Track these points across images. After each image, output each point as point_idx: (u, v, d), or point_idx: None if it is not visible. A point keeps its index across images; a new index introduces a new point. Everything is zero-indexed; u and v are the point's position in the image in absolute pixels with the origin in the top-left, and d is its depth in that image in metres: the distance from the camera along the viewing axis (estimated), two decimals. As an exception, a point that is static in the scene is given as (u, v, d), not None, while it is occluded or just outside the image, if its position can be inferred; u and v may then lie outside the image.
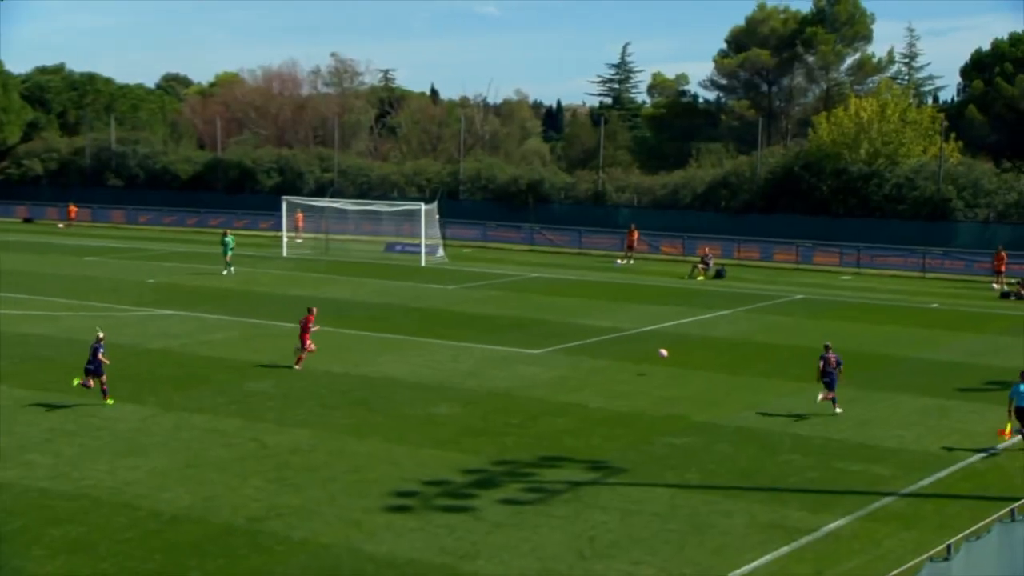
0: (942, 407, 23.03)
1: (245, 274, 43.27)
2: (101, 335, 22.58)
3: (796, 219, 55.03)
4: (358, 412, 21.58)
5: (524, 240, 58.69)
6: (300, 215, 57.48)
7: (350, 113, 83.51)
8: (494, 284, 42.03)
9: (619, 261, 51.96)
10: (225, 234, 44.33)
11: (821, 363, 21.82)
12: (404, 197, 62.93)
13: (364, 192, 66.40)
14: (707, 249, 48.48)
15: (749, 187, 57.39)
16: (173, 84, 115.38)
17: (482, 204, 63.72)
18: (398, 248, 53.52)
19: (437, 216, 51.63)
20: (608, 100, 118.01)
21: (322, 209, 55.47)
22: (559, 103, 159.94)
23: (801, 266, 50.88)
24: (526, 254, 55.69)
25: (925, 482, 17.66)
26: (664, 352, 27.04)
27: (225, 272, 42.71)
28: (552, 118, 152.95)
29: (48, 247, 51.89)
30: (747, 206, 57.17)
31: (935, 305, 38.97)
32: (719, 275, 46.47)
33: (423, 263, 48.53)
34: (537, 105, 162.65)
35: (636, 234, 52.88)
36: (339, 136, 74.50)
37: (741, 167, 58.84)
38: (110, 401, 22.27)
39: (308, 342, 25.39)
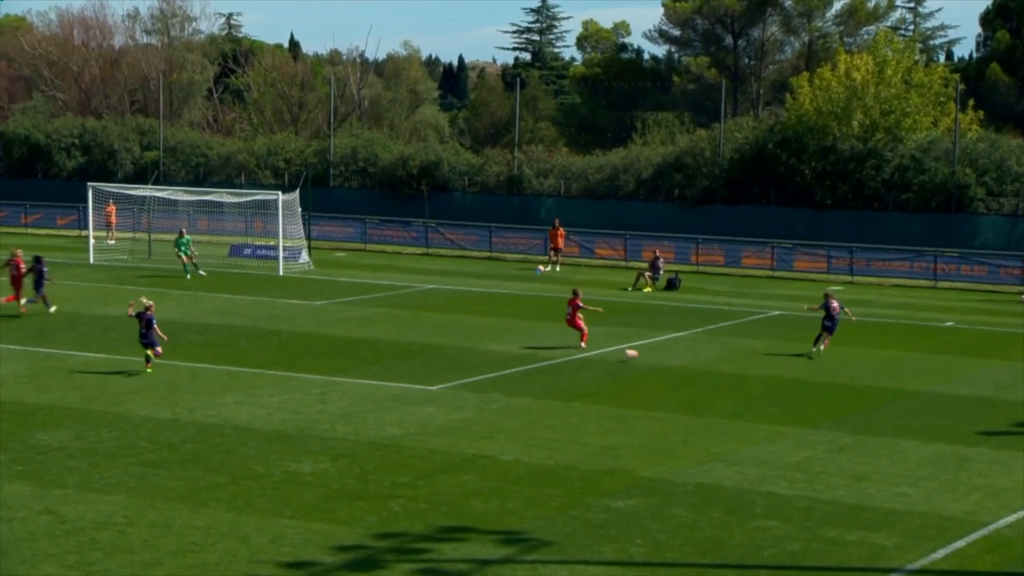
0: (960, 456, 23.36)
1: None
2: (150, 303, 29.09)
3: (771, 212, 56.24)
4: (191, 471, 21.57)
5: (416, 241, 59.41)
6: (112, 208, 57.33)
7: (181, 72, 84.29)
8: (376, 299, 42.24)
9: (541, 268, 52.59)
10: (181, 233, 47.59)
11: (823, 310, 22.74)
12: (255, 184, 64.07)
13: (201, 177, 67.76)
14: (656, 252, 48.82)
15: (710, 171, 58.44)
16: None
17: (360, 193, 64.52)
18: (247, 251, 53.67)
19: (299, 209, 51.83)
20: (526, 56, 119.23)
21: (143, 200, 55.27)
22: (461, 60, 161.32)
23: (778, 273, 51.86)
24: (419, 259, 56.02)
25: (938, 555, 17.86)
26: (632, 353, 28.64)
27: (188, 276, 46.24)
28: (452, 79, 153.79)
29: None
30: (707, 195, 58.22)
31: (950, 323, 39.54)
32: (671, 285, 47.17)
33: (281, 271, 48.69)
34: (432, 63, 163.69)
35: (562, 232, 53.45)
36: (165, 102, 75.38)
37: (699, 144, 59.73)
38: (149, 370, 29.12)
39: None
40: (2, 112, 75.95)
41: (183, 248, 47.12)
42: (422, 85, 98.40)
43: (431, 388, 28.41)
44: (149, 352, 29.79)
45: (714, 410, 26.84)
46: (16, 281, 37.98)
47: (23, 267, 38.13)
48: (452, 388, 28.49)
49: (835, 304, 31.72)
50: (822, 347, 32.14)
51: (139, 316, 29.70)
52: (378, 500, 19.98)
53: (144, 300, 30.45)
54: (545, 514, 19.44)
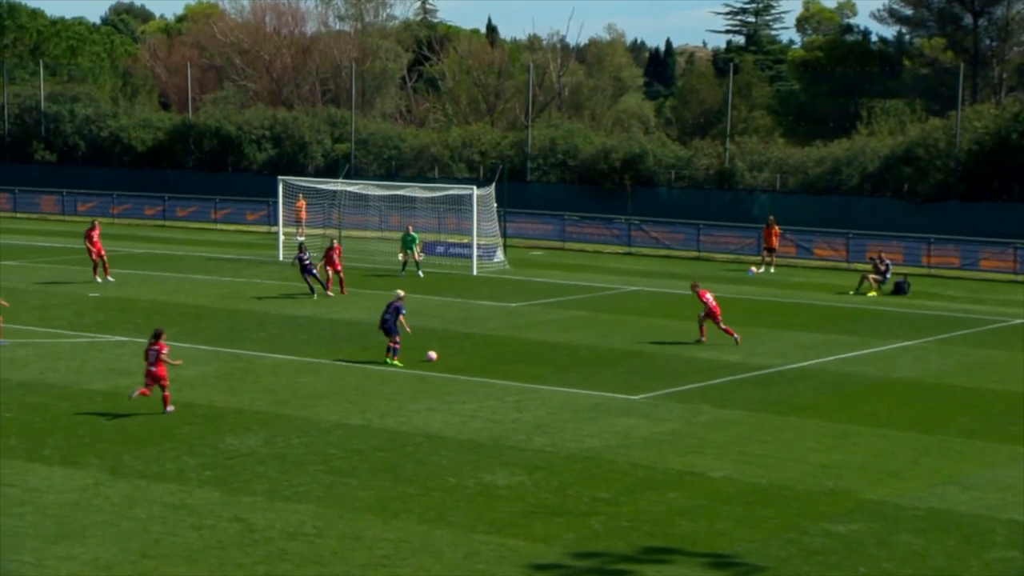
0: None
1: (227, 285, 44.54)
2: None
3: (1014, 209, 55.12)
4: (382, 481, 21.76)
5: (618, 239, 59.23)
6: (303, 203, 58.35)
7: (374, 59, 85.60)
8: (575, 301, 42.49)
9: (754, 269, 52.33)
10: (408, 230, 49.00)
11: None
12: (449, 178, 64.87)
13: (392, 171, 68.64)
14: (881, 253, 48.22)
15: (944, 164, 57.62)
16: (126, 18, 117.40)
17: (559, 188, 64.94)
18: (439, 249, 54.20)
19: (495, 205, 52.46)
20: (739, 40, 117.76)
21: (333, 195, 55.96)
22: (668, 44, 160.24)
23: (1021, 277, 50.92)
24: (621, 259, 56.00)
25: None
26: (433, 355, 31.22)
27: (403, 273, 47.73)
28: (659, 65, 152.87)
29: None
30: (941, 191, 57.47)
31: None
32: (899, 290, 46.68)
33: (474, 271, 49.21)
34: (637, 48, 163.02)
35: (777, 231, 53.17)
36: (357, 92, 76.34)
37: (933, 135, 58.87)
38: (394, 361, 31.12)
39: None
40: (193, 103, 76.86)
41: (409, 245, 48.09)
42: (626, 72, 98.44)
43: (634, 397, 28.22)
44: (389, 342, 31.56)
45: (948, 428, 26.26)
46: (325, 268, 42.66)
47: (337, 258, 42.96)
48: (656, 398, 28.26)
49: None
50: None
51: (388, 306, 31.80)
52: (577, 517, 19.91)
53: (399, 292, 33.31)
54: (758, 537, 19.16)
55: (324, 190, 55.99)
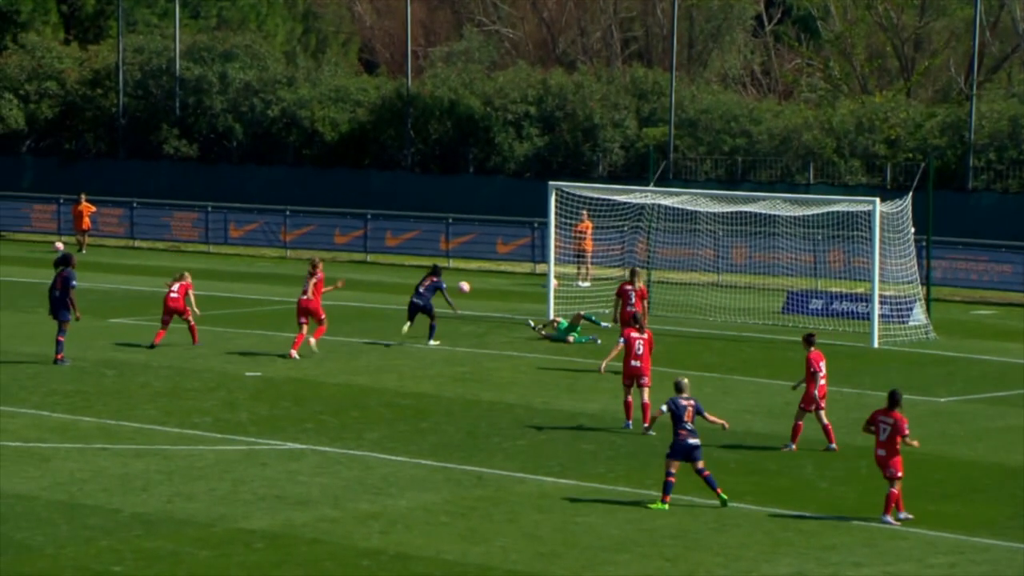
0: None
1: (465, 360, 47.29)
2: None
3: None
4: None
5: None
6: (588, 224, 59.84)
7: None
8: None
9: None
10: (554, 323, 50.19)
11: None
12: (834, 184, 68.36)
13: (738, 173, 71.41)
14: None
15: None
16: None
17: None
18: (815, 305, 55.53)
19: (912, 231, 52.57)
20: None
21: (640, 212, 56.89)
22: None
23: None
24: None
25: None
26: (465, 286, 42.47)
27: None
28: None
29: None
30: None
31: None
32: None
33: (875, 341, 49.89)
34: None
35: None
36: (681, 44, 74.47)
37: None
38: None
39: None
40: (415, 61, 79.37)
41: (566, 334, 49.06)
42: None
43: None
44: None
45: None
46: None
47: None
48: None
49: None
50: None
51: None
52: None
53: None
54: None
55: (624, 204, 56.29)
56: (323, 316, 46.06)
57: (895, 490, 28.91)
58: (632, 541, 28.64)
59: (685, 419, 30.66)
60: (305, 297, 45.95)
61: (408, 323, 46.76)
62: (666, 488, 30.52)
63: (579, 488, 32.20)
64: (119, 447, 34.90)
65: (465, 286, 42.09)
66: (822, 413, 35.53)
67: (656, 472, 32.31)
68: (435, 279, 47.16)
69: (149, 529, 29.08)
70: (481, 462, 34.37)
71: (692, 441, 30.42)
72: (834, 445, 35.39)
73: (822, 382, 35.46)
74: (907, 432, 29.20)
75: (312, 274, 46.04)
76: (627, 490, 32.11)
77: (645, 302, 44.81)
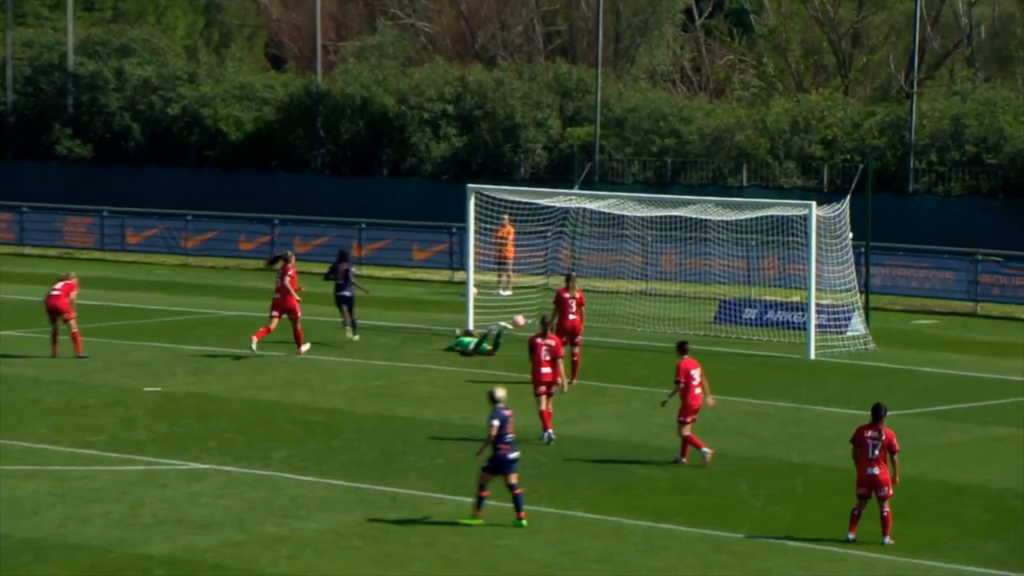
0: None
1: (379, 374, 47.18)
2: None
3: None
4: None
5: None
6: (509, 229, 60.47)
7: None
8: (997, 410, 43.54)
9: None
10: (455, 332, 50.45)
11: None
12: (765, 188, 69.42)
13: (667, 175, 71.97)
14: None
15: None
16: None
17: (967, 205, 67.43)
18: (748, 315, 55.80)
19: (850, 236, 53.01)
20: None
21: (564, 216, 57.43)
22: None
23: None
24: None
25: None
26: (521, 320, 41.70)
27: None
28: None
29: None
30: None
31: None
32: None
33: (812, 353, 50.14)
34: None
35: None
36: (610, 38, 76.25)
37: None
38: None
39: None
40: (325, 56, 79.02)
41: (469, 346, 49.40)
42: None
43: None
44: None
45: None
46: None
47: None
48: None
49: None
50: None
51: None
52: None
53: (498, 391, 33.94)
54: None
55: (548, 208, 56.55)
56: (299, 314, 47.20)
57: (888, 509, 29.14)
58: (556, 565, 28.93)
59: (508, 432, 30.95)
60: (278, 295, 47.29)
61: (348, 325, 49.34)
62: (479, 503, 30.73)
63: (500, 509, 31.31)
64: (8, 468, 34.56)
65: (521, 320, 42.95)
66: (687, 426, 35.97)
67: (582, 491, 33.80)
68: (347, 266, 48.69)
69: (40, 555, 28.74)
70: (396, 482, 34.48)
71: (512, 455, 30.87)
72: (684, 459, 36.15)
73: (697, 391, 35.99)
74: (898, 447, 29.33)
75: (284, 272, 47.12)
76: (550, 511, 31.93)
77: (583, 309, 44.52)
